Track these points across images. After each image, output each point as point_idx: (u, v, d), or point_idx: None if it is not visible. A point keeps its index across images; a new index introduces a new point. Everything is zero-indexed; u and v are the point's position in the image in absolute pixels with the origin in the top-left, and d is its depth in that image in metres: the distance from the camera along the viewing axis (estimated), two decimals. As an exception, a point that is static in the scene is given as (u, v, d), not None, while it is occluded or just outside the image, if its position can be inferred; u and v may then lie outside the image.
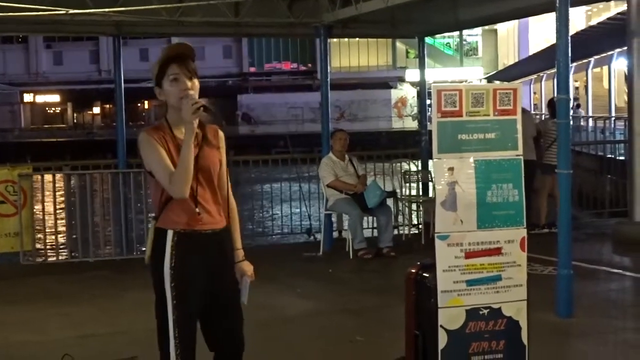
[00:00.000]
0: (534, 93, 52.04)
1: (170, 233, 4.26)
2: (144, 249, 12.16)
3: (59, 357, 6.48)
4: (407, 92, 66.53)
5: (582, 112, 37.78)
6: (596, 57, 35.83)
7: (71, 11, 11.64)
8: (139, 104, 74.66)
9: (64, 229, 13.40)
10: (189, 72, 4.28)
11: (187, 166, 4.11)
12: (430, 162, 12.68)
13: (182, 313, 4.27)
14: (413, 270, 4.90)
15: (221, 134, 4.46)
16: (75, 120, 77.61)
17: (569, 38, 7.79)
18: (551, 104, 12.73)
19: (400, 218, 12.96)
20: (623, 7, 18.41)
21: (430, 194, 13.02)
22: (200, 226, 4.27)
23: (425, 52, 14.93)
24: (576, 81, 41.60)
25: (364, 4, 11.70)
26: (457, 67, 68.14)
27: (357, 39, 58.57)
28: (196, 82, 4.32)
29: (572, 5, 7.96)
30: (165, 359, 4.34)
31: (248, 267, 4.50)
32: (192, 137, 4.12)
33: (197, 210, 4.24)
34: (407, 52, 70.92)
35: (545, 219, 12.73)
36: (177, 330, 4.28)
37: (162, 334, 4.35)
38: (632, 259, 10.90)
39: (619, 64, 31.70)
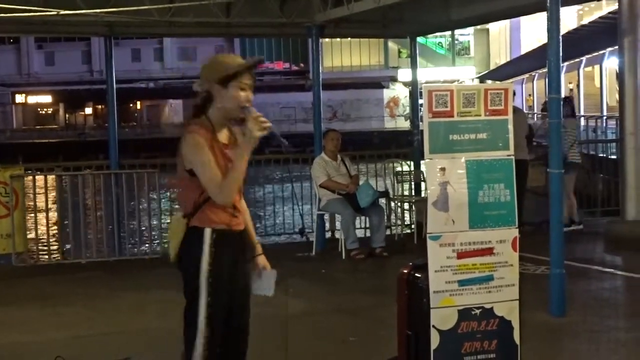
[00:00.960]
0: (529, 95, 52.10)
1: (208, 231, 4.30)
2: (135, 250, 12.18)
3: (51, 358, 6.47)
4: (399, 92, 66.58)
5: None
6: (588, 56, 35.91)
7: (62, 12, 11.62)
8: (131, 105, 74.58)
9: (56, 230, 13.36)
10: (253, 86, 4.39)
11: (240, 178, 4.21)
12: (422, 162, 12.70)
13: (215, 310, 4.31)
14: (405, 271, 4.91)
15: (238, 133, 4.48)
16: (67, 121, 77.45)
17: (561, 37, 7.80)
18: (565, 101, 13.02)
19: (392, 218, 12.97)
20: (614, 6, 18.47)
21: (423, 194, 13.04)
22: (235, 226, 4.39)
23: (418, 52, 14.94)
24: (570, 82, 41.65)
25: (356, 4, 11.70)
26: (450, 67, 68.19)
27: (349, 38, 58.54)
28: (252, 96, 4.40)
29: (564, 5, 7.98)
30: (190, 355, 4.35)
31: (266, 260, 4.67)
32: (249, 151, 4.19)
33: (233, 212, 4.38)
34: (399, 52, 70.93)
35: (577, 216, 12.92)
36: (209, 328, 4.30)
37: (190, 329, 4.36)
38: (624, 257, 10.92)
39: (611, 62, 31.76)
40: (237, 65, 4.31)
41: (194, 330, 4.31)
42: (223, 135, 4.37)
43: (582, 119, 30.91)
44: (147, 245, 12.28)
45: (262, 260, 4.67)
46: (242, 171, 4.20)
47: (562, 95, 9.41)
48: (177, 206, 4.64)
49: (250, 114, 4.21)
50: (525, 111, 44.43)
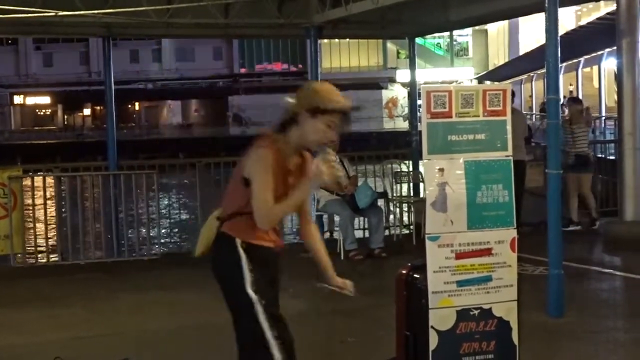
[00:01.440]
0: (530, 96, 52.16)
1: (238, 241, 4.28)
2: (133, 253, 12.16)
3: (50, 359, 6.47)
4: (398, 93, 66.57)
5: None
6: (586, 57, 35.91)
7: (61, 13, 11.61)
8: (129, 106, 74.59)
9: (54, 231, 13.35)
10: (340, 129, 4.31)
11: (290, 211, 4.25)
12: (421, 163, 12.71)
13: (271, 310, 4.28)
14: (404, 271, 4.91)
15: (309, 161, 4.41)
16: (65, 122, 77.44)
17: (559, 38, 7.81)
18: (577, 101, 13.22)
19: (391, 219, 12.96)
20: (612, 7, 18.46)
21: (421, 195, 13.03)
22: (266, 242, 4.34)
23: (416, 53, 14.95)
24: (571, 85, 41.70)
25: (354, 5, 11.70)
26: (448, 68, 68.22)
27: (348, 39, 58.55)
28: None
29: (562, 6, 7.98)
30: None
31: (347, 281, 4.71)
32: (308, 192, 4.25)
33: (275, 229, 4.37)
34: (398, 53, 70.97)
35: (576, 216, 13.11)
36: (274, 329, 4.27)
37: (255, 340, 4.31)
38: (623, 258, 10.92)
39: (609, 63, 31.77)
40: (333, 104, 4.21)
41: (263, 340, 4.26)
42: (292, 161, 4.31)
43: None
44: (145, 246, 12.26)
45: (339, 281, 4.67)
46: (294, 205, 4.20)
47: (562, 96, 9.43)
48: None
49: (326, 156, 4.14)
50: (525, 112, 44.57)
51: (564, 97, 33.68)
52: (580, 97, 32.51)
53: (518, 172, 11.58)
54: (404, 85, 61.53)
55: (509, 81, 48.05)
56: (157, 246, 12.16)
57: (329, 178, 4.11)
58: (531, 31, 55.80)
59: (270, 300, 4.28)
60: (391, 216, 12.95)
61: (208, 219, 4.50)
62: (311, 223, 4.59)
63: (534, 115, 43.77)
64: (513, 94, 13.14)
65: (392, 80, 67.97)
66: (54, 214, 13.44)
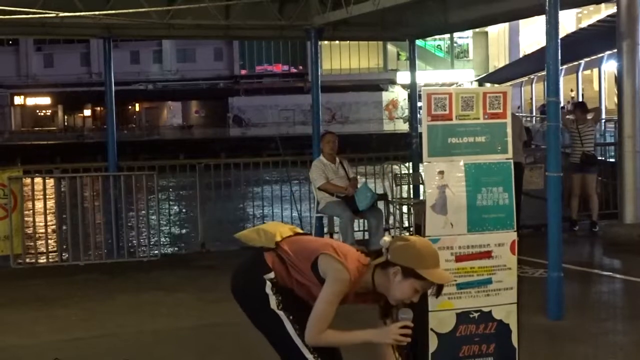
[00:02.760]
0: (530, 99, 52.15)
1: (271, 275, 4.23)
2: (133, 254, 12.14)
3: (48, 360, 6.47)
4: (398, 95, 66.55)
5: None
6: (586, 59, 35.88)
7: (61, 14, 11.61)
8: (129, 107, 74.61)
9: (54, 232, 13.35)
10: (423, 294, 4.16)
11: (340, 345, 4.27)
12: (421, 165, 12.71)
13: (303, 324, 4.16)
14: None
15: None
16: (65, 123, 77.45)
17: (559, 40, 7.81)
18: (583, 105, 13.42)
19: (391, 220, 12.96)
20: (613, 9, 18.45)
21: (421, 197, 13.03)
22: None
23: (416, 55, 14.93)
24: (572, 90, 41.67)
25: (355, 7, 11.69)
26: (448, 70, 68.20)
27: (348, 41, 58.56)
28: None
29: (562, 8, 7.98)
30: None
31: None
32: (368, 341, 4.18)
33: None
34: (398, 55, 70.95)
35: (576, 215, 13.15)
36: (306, 345, 4.18)
37: (292, 355, 4.23)
38: (622, 261, 10.92)
39: (609, 66, 31.74)
40: (433, 278, 4.03)
41: (300, 354, 4.20)
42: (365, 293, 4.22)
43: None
44: (145, 247, 12.26)
45: None
46: (348, 343, 4.21)
47: (562, 100, 9.44)
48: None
49: (403, 317, 4.05)
50: (525, 114, 44.56)
51: (568, 102, 33.69)
52: (580, 99, 32.55)
53: (515, 174, 11.67)
54: (404, 87, 61.53)
55: (509, 83, 48.07)
56: (156, 247, 12.14)
57: (396, 343, 4.06)
58: (531, 33, 55.81)
59: (300, 314, 4.19)
60: (391, 218, 12.94)
61: (274, 228, 4.38)
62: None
63: (534, 118, 43.75)
64: None
65: (393, 82, 67.94)
66: (53, 214, 13.43)
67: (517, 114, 13.30)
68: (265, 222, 4.48)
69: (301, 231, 4.49)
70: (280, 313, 4.17)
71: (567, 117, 13.89)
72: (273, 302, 4.17)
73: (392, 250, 4.03)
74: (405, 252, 4.00)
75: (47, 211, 11.95)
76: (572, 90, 40.36)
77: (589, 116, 13.35)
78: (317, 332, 4.04)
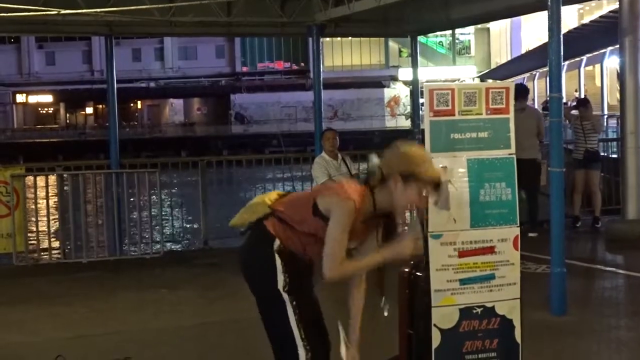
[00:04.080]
0: (531, 95, 52.11)
1: (277, 242, 4.20)
2: (135, 251, 12.14)
3: (51, 357, 6.46)
4: (400, 91, 66.57)
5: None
6: (588, 55, 35.87)
7: (63, 11, 11.62)
8: (131, 104, 74.63)
9: (56, 229, 13.36)
10: (426, 197, 4.24)
11: (359, 271, 4.20)
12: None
13: (303, 311, 4.20)
14: (406, 269, 4.89)
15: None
16: (67, 121, 77.49)
17: (561, 36, 7.80)
18: (586, 102, 13.52)
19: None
20: (615, 5, 18.44)
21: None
22: (303, 255, 4.27)
23: (418, 51, 14.95)
24: (576, 90, 41.67)
25: (356, 3, 11.70)
26: (450, 66, 68.18)
27: (350, 38, 58.52)
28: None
29: (564, 4, 7.97)
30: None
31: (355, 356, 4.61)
32: (388, 260, 4.10)
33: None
34: (400, 51, 70.89)
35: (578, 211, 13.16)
36: (302, 330, 4.18)
37: (284, 340, 4.22)
38: (625, 256, 10.91)
39: (612, 62, 31.73)
40: (430, 174, 4.12)
41: (292, 341, 4.18)
42: (371, 217, 4.20)
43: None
44: (147, 244, 12.26)
45: (349, 355, 4.52)
46: (364, 268, 4.17)
47: (564, 96, 9.45)
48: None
49: (416, 231, 4.11)
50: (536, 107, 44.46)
51: (575, 99, 33.69)
52: (582, 95, 32.55)
53: (532, 170, 11.65)
54: (406, 83, 61.53)
55: (511, 79, 48.03)
56: (159, 244, 12.15)
57: (413, 254, 4.09)
58: (533, 29, 55.78)
59: (303, 301, 4.20)
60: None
61: (260, 198, 4.38)
62: (364, 283, 4.46)
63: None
64: (527, 90, 13.18)
65: (394, 78, 67.92)
66: (56, 212, 13.44)
67: (535, 109, 13.29)
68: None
69: (285, 192, 4.52)
70: (285, 295, 4.17)
71: (572, 112, 13.87)
72: (280, 282, 4.16)
73: (384, 164, 4.12)
74: (399, 160, 4.11)
75: (50, 209, 11.95)
76: (576, 91, 40.35)
77: (594, 112, 13.40)
78: (336, 264, 4.02)
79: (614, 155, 16.14)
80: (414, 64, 14.82)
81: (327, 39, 52.59)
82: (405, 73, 59.37)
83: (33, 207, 11.62)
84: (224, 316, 8.08)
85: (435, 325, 4.70)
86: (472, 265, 4.75)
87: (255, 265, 4.27)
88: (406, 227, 4.09)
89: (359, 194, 4.11)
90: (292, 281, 4.18)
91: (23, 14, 11.36)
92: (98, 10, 11.87)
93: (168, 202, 15.24)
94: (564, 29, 8.39)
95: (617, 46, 12.70)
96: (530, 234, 11.45)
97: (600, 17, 26.71)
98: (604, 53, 32.67)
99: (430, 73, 59.43)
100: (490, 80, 53.36)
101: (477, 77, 63.45)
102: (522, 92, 12.47)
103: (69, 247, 11.90)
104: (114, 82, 13.61)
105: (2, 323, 8.25)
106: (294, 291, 4.18)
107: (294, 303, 4.16)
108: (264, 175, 17.22)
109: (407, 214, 3.94)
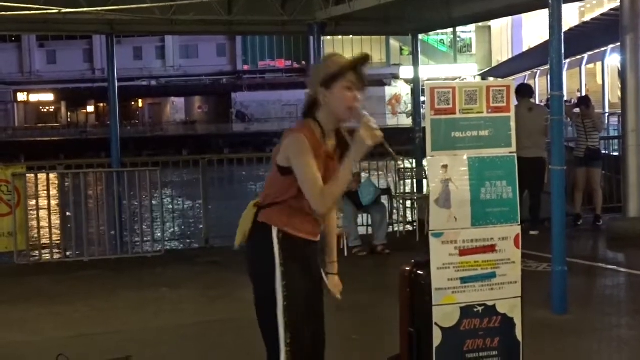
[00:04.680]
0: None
1: (275, 230, 4.14)
2: (137, 250, 12.15)
3: (53, 356, 6.46)
4: (401, 89, 66.58)
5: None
6: (589, 53, 35.88)
7: (64, 10, 11.62)
8: (132, 103, 74.67)
9: (58, 228, 13.36)
10: (362, 83, 4.16)
11: (343, 187, 4.02)
12: (424, 159, 12.71)
13: (294, 314, 4.12)
14: (407, 268, 4.89)
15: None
16: (69, 119, 77.54)
17: (562, 34, 7.80)
18: (588, 100, 13.56)
19: (394, 215, 12.96)
20: (616, 3, 18.43)
21: (425, 191, 13.04)
22: (305, 234, 4.20)
23: (419, 49, 14.92)
24: (578, 90, 41.68)
25: (357, 2, 11.70)
26: (451, 64, 68.21)
27: (351, 36, 58.50)
28: (364, 94, 4.19)
29: (565, 2, 7.97)
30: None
31: (339, 284, 4.51)
32: (357, 160, 4.00)
33: (315, 219, 4.20)
34: (401, 49, 70.89)
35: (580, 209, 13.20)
36: (289, 334, 4.11)
37: (269, 339, 4.18)
38: (626, 254, 10.91)
39: (613, 60, 31.74)
40: (339, 64, 4.10)
41: (276, 342, 4.13)
42: (330, 144, 4.17)
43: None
44: (148, 243, 12.27)
45: (334, 281, 4.50)
46: (347, 180, 4.00)
47: (565, 94, 9.45)
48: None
49: (362, 119, 4.00)
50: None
51: (578, 97, 33.70)
52: (584, 94, 32.54)
53: (542, 169, 11.66)
54: (407, 81, 61.52)
55: (512, 78, 48.05)
56: (160, 243, 12.15)
57: (373, 140, 3.98)
58: (534, 27, 55.78)
59: (295, 301, 4.13)
60: (394, 213, 12.95)
61: (247, 207, 4.33)
62: (333, 209, 4.42)
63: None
64: (531, 90, 13.17)
65: (395, 76, 67.95)
66: (57, 211, 13.45)
67: (543, 107, 13.31)
68: None
69: None
70: (279, 294, 4.11)
71: (574, 110, 13.87)
72: (278, 276, 4.12)
73: (309, 85, 4.15)
74: (314, 73, 4.16)
75: (51, 207, 11.96)
76: (578, 90, 40.37)
77: (595, 110, 13.40)
78: (318, 197, 3.96)
79: (615, 153, 16.13)
80: (415, 62, 14.82)
81: (328, 37, 52.63)
82: (406, 71, 59.36)
83: (34, 205, 11.63)
84: (225, 315, 8.09)
85: (436, 323, 4.70)
86: (473, 264, 4.75)
87: (256, 260, 4.24)
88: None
89: (302, 126, 4.11)
90: (287, 275, 4.12)
91: (24, 12, 11.36)
92: (99, 9, 11.88)
93: (169, 201, 15.23)
94: (565, 27, 8.39)
95: (618, 44, 12.70)
96: (532, 232, 11.46)
97: (601, 15, 26.74)
98: (605, 51, 32.69)
99: (431, 71, 59.47)
100: (491, 79, 53.36)
101: (478, 75, 63.46)
102: (528, 91, 12.50)
103: (70, 245, 11.90)
104: (115, 80, 13.61)
105: (4, 322, 8.26)
106: (289, 288, 4.13)
107: (285, 304, 4.11)
108: (265, 174, 17.21)
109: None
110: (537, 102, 46.10)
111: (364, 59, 4.17)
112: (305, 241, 4.22)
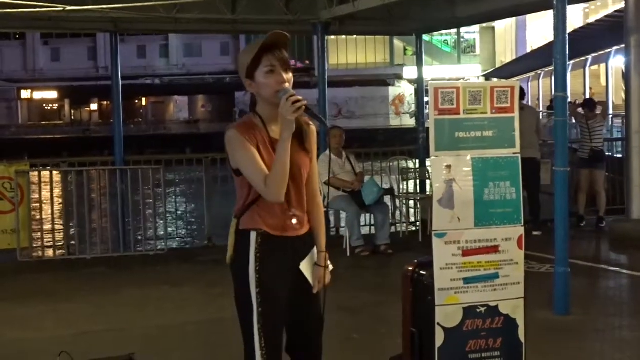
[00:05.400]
0: (537, 94, 52.04)
1: (253, 235, 4.07)
2: (139, 248, 12.17)
3: (55, 354, 6.46)
4: (404, 90, 66.51)
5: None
6: (594, 54, 35.81)
7: (68, 8, 11.63)
8: (136, 101, 74.67)
9: (60, 225, 13.37)
10: (284, 63, 4.08)
11: (284, 168, 3.90)
12: (427, 160, 12.72)
13: (268, 320, 4.07)
14: (410, 268, 4.89)
15: (313, 130, 4.21)
16: (72, 117, 77.50)
17: (567, 36, 7.79)
18: (593, 102, 13.63)
19: (397, 215, 12.96)
20: (621, 4, 18.42)
21: (428, 192, 13.04)
22: (286, 232, 4.11)
23: (423, 50, 14.91)
24: (578, 100, 41.69)
25: (362, 1, 11.70)
26: (455, 65, 68.13)
27: (355, 36, 58.50)
28: (290, 74, 4.10)
29: (570, 3, 7.96)
30: None
31: (322, 277, 4.33)
32: (290, 136, 3.90)
33: (291, 213, 4.10)
34: (405, 50, 70.82)
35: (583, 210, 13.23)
36: (263, 339, 4.07)
37: (246, 342, 4.16)
38: (629, 256, 10.91)
39: (617, 61, 31.68)
40: (249, 52, 4.04)
41: (252, 346, 4.11)
42: (276, 132, 4.05)
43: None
44: (151, 241, 12.28)
45: (319, 272, 4.31)
46: (284, 162, 3.89)
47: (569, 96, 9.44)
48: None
49: (284, 95, 3.91)
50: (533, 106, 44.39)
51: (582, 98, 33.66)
52: (588, 96, 32.51)
53: (532, 169, 11.67)
54: (410, 82, 61.49)
55: (516, 79, 47.99)
56: (162, 241, 12.15)
57: (295, 112, 3.88)
58: (539, 28, 55.71)
59: (269, 309, 4.09)
60: (397, 213, 12.95)
61: (231, 224, 4.27)
62: (318, 197, 4.32)
63: (540, 113, 43.65)
64: (523, 91, 13.20)
65: (399, 77, 67.87)
66: (60, 208, 13.45)
67: (533, 107, 13.40)
68: None
69: None
70: (254, 300, 4.08)
71: (578, 110, 13.87)
72: (252, 279, 4.07)
73: (244, 84, 4.12)
74: (239, 69, 4.12)
75: (54, 205, 11.97)
76: (579, 100, 40.37)
77: (598, 111, 13.38)
78: (263, 185, 3.91)
79: (619, 155, 16.12)
80: (419, 63, 14.81)
81: (332, 37, 52.62)
82: (410, 71, 59.38)
83: (37, 203, 11.64)
84: (228, 313, 8.03)
85: (438, 324, 4.70)
86: (476, 264, 4.75)
87: (236, 265, 4.19)
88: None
89: (239, 123, 4.08)
90: (263, 280, 4.07)
91: (29, 10, 11.37)
92: (103, 7, 11.89)
93: (172, 199, 15.24)
94: (569, 29, 8.37)
95: (623, 46, 12.69)
96: (535, 233, 11.46)
97: (606, 16, 26.66)
98: (610, 52, 32.61)
99: (435, 72, 59.40)
100: (495, 79, 53.33)
101: (482, 76, 63.38)
102: (520, 92, 12.51)
103: (73, 243, 11.90)
104: (119, 78, 13.62)
105: (6, 319, 8.27)
106: (264, 293, 4.08)
107: (260, 310, 4.07)
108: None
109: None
110: (540, 103, 46.16)
111: (274, 36, 4.03)
112: (286, 239, 4.13)
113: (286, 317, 4.20)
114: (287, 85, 4.03)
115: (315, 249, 4.31)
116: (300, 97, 3.92)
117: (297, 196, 4.14)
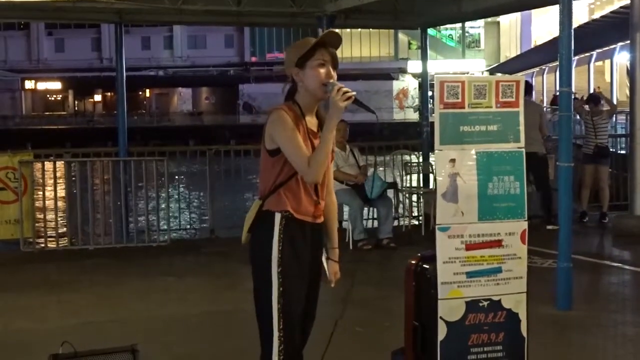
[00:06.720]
0: (541, 89, 52.04)
1: (278, 216, 4.18)
2: (143, 237, 12.17)
3: (57, 344, 6.44)
4: (408, 84, 66.47)
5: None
6: (598, 50, 35.78)
7: (74, -2, 11.64)
8: (140, 93, 74.68)
9: (64, 216, 13.39)
10: (334, 61, 4.27)
11: (328, 151, 4.11)
12: (431, 154, 12.71)
13: (287, 300, 4.16)
14: (413, 262, 4.90)
15: (344, 126, 4.50)
16: (76, 108, 77.58)
17: (572, 31, 7.78)
18: (597, 97, 13.64)
19: (400, 209, 12.96)
20: (626, 0, 18.37)
21: (431, 186, 13.03)
22: (308, 217, 4.25)
23: (428, 44, 14.89)
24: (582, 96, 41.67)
25: (367, -5, 11.68)
26: (459, 59, 68.10)
27: (360, 29, 58.44)
28: (336, 73, 4.27)
29: (576, -2, 7.94)
30: (267, 346, 4.21)
31: (338, 272, 4.55)
32: (335, 124, 4.13)
33: (315, 199, 4.25)
34: (409, 44, 70.81)
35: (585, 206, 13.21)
36: (282, 320, 4.15)
37: (264, 323, 4.22)
38: (632, 252, 10.91)
39: (621, 57, 31.66)
40: (309, 43, 4.24)
41: (269, 324, 4.17)
42: (311, 122, 4.28)
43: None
44: (154, 232, 12.28)
45: (333, 267, 4.53)
46: (329, 147, 4.12)
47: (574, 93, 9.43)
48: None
49: (333, 86, 4.10)
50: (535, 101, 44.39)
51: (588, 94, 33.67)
52: (592, 91, 32.48)
53: (536, 163, 11.66)
54: (414, 76, 61.43)
55: (520, 73, 47.94)
56: (165, 233, 12.17)
57: (345, 101, 4.09)
58: (543, 24, 55.67)
59: (290, 288, 4.17)
60: (400, 207, 12.95)
61: (252, 205, 4.38)
62: (333, 194, 4.50)
63: (545, 108, 43.62)
64: (530, 85, 13.18)
65: (403, 71, 67.81)
66: (63, 199, 13.47)
67: (537, 103, 13.38)
68: None
69: None
70: (274, 277, 4.15)
71: (584, 106, 13.86)
72: (274, 258, 4.15)
73: (286, 69, 4.30)
74: (287, 56, 4.29)
75: (57, 195, 11.98)
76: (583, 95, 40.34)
77: (604, 108, 13.38)
78: (305, 167, 4.06)
79: (623, 151, 16.11)
80: (424, 57, 14.78)
81: (337, 30, 52.55)
82: (414, 65, 59.25)
83: (41, 193, 11.65)
84: (231, 305, 8.10)
85: (441, 317, 4.70)
86: (479, 259, 4.75)
87: (255, 244, 4.28)
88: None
89: (285, 105, 4.25)
90: (285, 262, 4.16)
91: (34, 0, 11.37)
92: (108, -3, 11.89)
93: (175, 191, 15.25)
94: (574, 25, 8.36)
95: (628, 42, 12.67)
96: (549, 227, 11.42)
97: (611, 12, 26.67)
98: (614, 48, 32.59)
99: (439, 66, 59.35)
100: (499, 74, 53.29)
101: (486, 70, 63.36)
102: (527, 87, 12.51)
103: (76, 233, 11.92)
104: (123, 70, 13.62)
105: (9, 309, 8.29)
106: (286, 276, 4.16)
107: (281, 289, 4.15)
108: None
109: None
110: (544, 98, 46.13)
111: (331, 34, 4.27)
112: (307, 224, 4.26)
113: (303, 302, 4.28)
114: (333, 80, 4.20)
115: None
116: (348, 89, 4.12)
117: (321, 185, 4.31)
